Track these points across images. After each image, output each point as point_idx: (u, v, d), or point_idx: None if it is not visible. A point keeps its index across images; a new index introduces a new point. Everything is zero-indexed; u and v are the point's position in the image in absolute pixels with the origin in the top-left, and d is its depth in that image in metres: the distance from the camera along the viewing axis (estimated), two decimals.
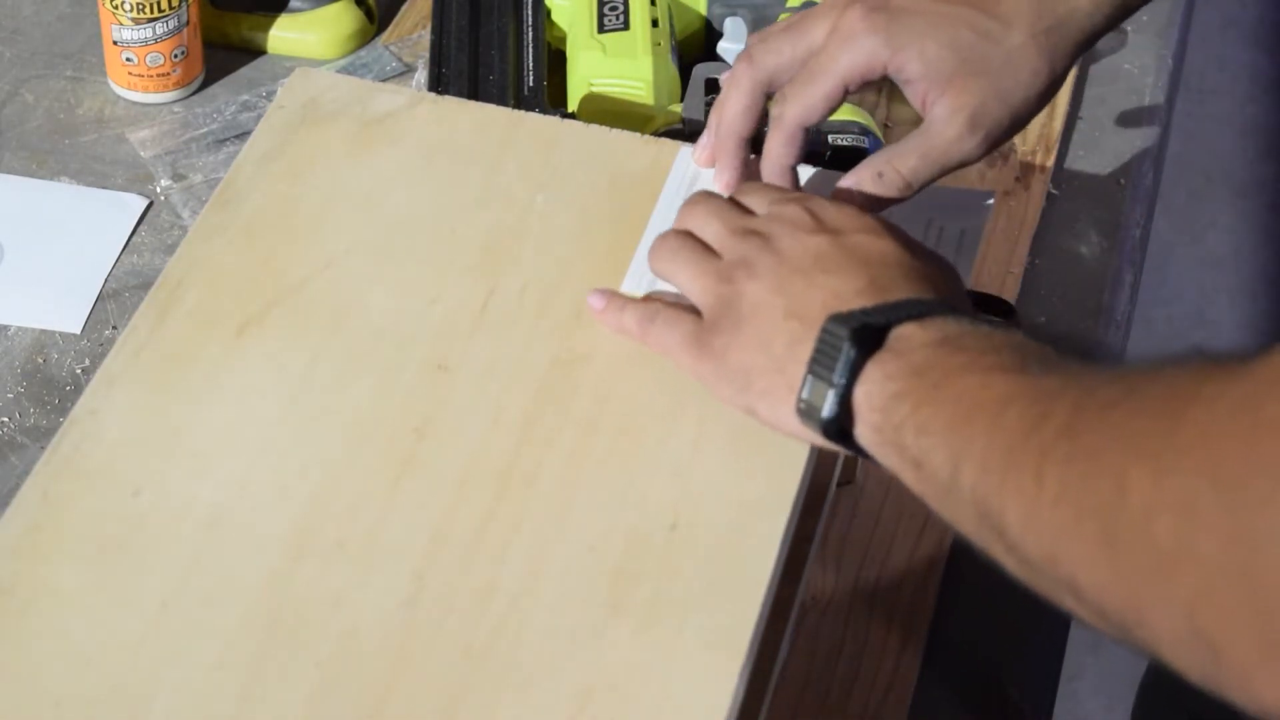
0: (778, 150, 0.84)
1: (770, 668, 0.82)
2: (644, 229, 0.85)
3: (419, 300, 0.82)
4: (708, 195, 0.83)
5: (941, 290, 0.75)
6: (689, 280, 0.79)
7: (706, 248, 0.80)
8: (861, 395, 0.70)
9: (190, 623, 0.70)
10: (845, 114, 1.02)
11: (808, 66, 0.83)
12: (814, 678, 0.89)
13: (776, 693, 0.85)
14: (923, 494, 0.69)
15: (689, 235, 0.81)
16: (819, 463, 0.79)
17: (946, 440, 0.66)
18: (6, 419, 1.00)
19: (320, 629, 0.70)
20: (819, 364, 0.71)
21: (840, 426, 0.71)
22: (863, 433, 0.71)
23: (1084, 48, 0.84)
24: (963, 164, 0.83)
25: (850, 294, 0.73)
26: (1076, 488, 0.59)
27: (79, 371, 1.02)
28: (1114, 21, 0.84)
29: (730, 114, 0.85)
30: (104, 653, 0.69)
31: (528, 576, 0.71)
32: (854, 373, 0.70)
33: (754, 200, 0.82)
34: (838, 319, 0.72)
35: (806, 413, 0.72)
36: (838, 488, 0.93)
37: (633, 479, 0.75)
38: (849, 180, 0.84)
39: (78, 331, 1.04)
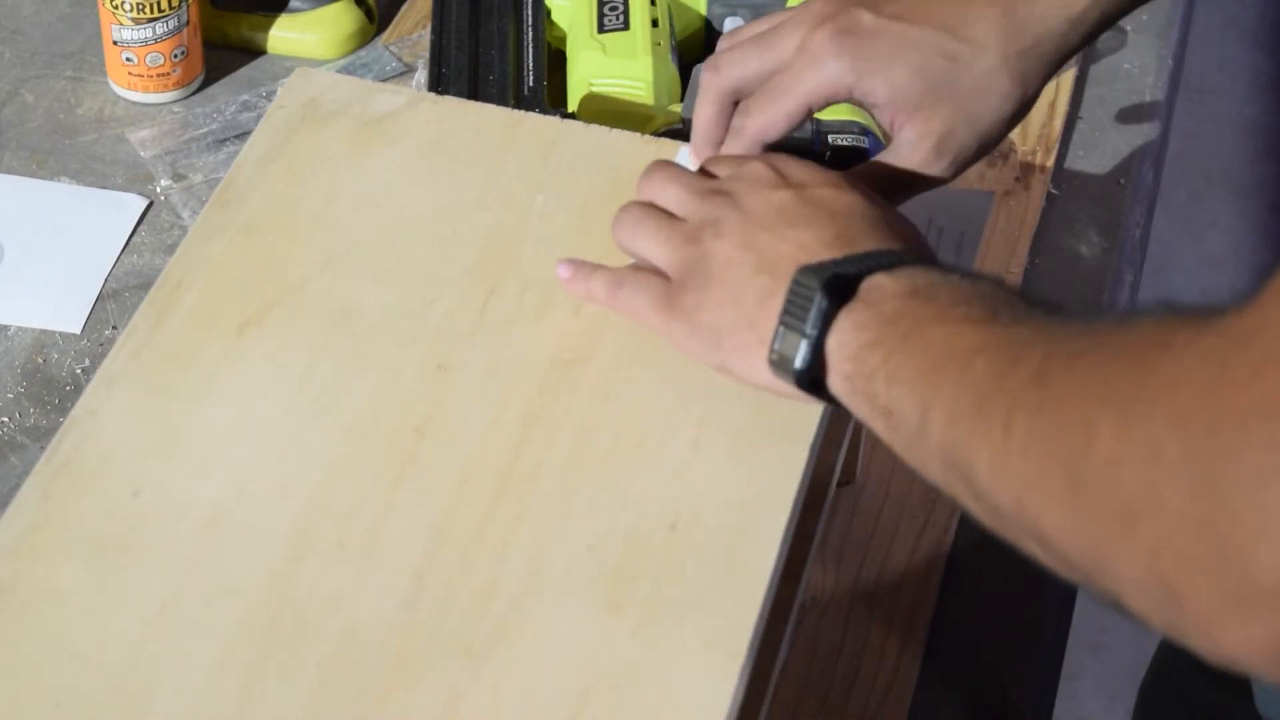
0: None
1: (770, 668, 0.82)
2: None
3: (419, 300, 0.82)
4: (663, 164, 0.83)
5: (907, 242, 0.75)
6: (653, 245, 0.79)
7: (669, 215, 0.80)
8: (834, 345, 0.71)
9: (190, 623, 0.70)
10: (845, 114, 1.02)
11: (773, 83, 0.83)
12: (814, 678, 0.89)
13: (776, 693, 0.85)
14: (891, 442, 0.69)
15: (649, 204, 0.81)
16: (819, 463, 0.79)
17: (916, 389, 0.67)
18: (6, 419, 1.00)
19: (320, 629, 0.70)
20: (790, 315, 0.72)
21: (812, 376, 0.71)
22: (834, 382, 0.71)
23: (1057, 67, 0.83)
24: (929, 187, 0.83)
25: (818, 246, 0.74)
26: (1044, 436, 0.59)
27: (79, 371, 1.02)
28: (1088, 40, 0.84)
29: (702, 122, 0.86)
30: (104, 653, 0.69)
31: (528, 576, 0.71)
32: (826, 322, 0.71)
33: (718, 166, 0.82)
34: (809, 270, 0.72)
35: (779, 364, 0.72)
36: (838, 488, 0.93)
37: (633, 479, 0.75)
38: None
39: (78, 331, 1.04)
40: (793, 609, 0.84)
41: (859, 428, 0.92)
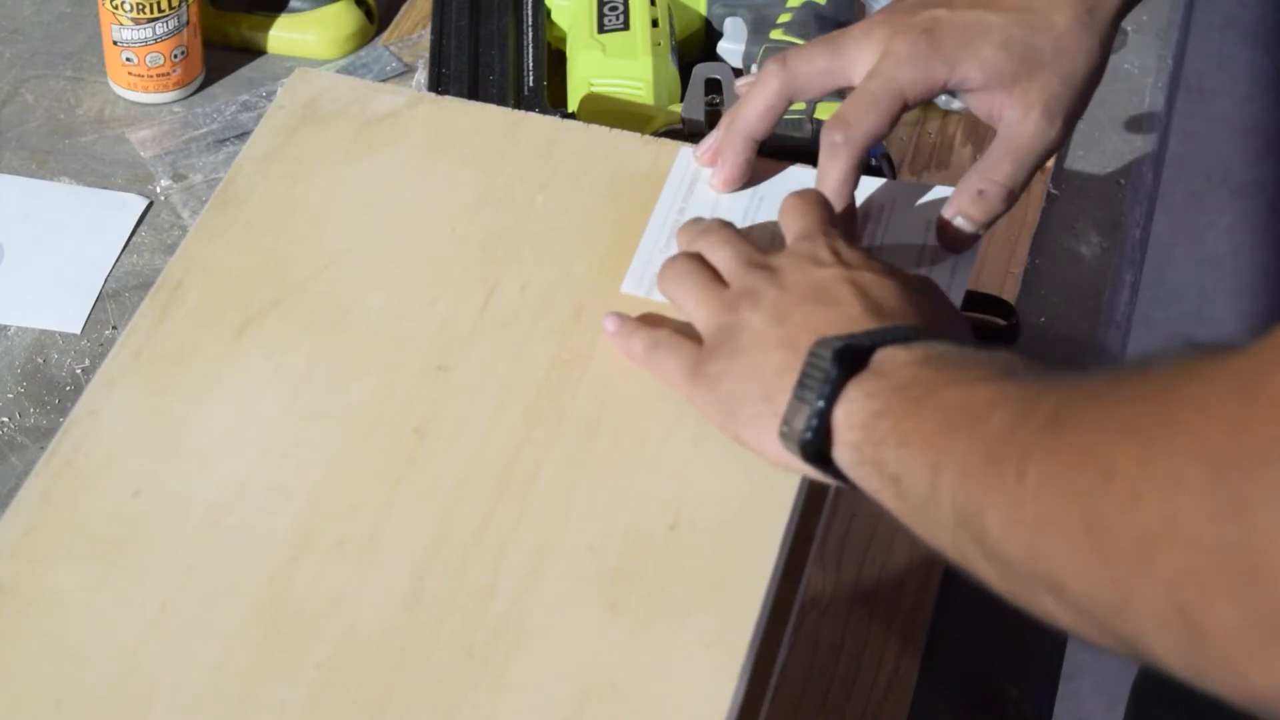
0: (847, 175, 0.84)
1: (770, 668, 0.82)
2: (644, 229, 0.85)
3: (419, 300, 0.82)
4: (723, 225, 0.83)
5: (938, 325, 0.75)
6: (694, 306, 0.79)
7: (715, 274, 0.80)
8: (841, 415, 0.70)
9: (190, 623, 0.70)
10: None
11: (865, 89, 0.83)
12: (814, 678, 0.89)
13: (776, 693, 0.85)
14: (900, 512, 0.68)
15: (700, 260, 0.81)
16: None
17: (927, 452, 0.66)
18: (6, 419, 1.00)
19: (320, 629, 0.70)
20: (803, 386, 0.71)
21: (818, 448, 0.71)
22: (841, 453, 0.70)
23: (1121, 18, 0.86)
24: (1050, 154, 0.85)
25: (843, 322, 0.73)
26: (1059, 478, 0.58)
27: (79, 371, 1.02)
28: None
29: (750, 112, 0.85)
30: (104, 653, 0.69)
31: (528, 576, 0.71)
32: (835, 391, 0.70)
33: (793, 220, 0.81)
34: (823, 342, 0.72)
35: (787, 435, 0.72)
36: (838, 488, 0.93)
37: (633, 479, 0.75)
38: (950, 209, 0.85)
39: (78, 331, 1.04)
40: (793, 609, 0.84)
41: None
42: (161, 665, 0.69)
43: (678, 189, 0.87)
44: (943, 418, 0.66)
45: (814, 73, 0.84)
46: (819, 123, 0.99)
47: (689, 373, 0.77)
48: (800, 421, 0.71)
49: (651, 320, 0.80)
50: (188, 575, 0.71)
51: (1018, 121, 0.84)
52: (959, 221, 0.85)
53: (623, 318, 0.80)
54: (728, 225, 0.83)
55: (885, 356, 0.71)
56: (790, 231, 0.81)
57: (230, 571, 0.71)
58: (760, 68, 0.87)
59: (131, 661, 0.69)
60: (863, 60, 0.84)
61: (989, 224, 0.85)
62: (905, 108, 0.83)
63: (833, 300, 0.75)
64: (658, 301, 0.82)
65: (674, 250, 0.84)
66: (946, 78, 0.83)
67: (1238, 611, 0.50)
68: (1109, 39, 0.85)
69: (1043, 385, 0.63)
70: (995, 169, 0.84)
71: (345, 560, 0.72)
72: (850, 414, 0.70)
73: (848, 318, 0.74)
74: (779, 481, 0.74)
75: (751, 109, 0.85)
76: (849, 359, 0.70)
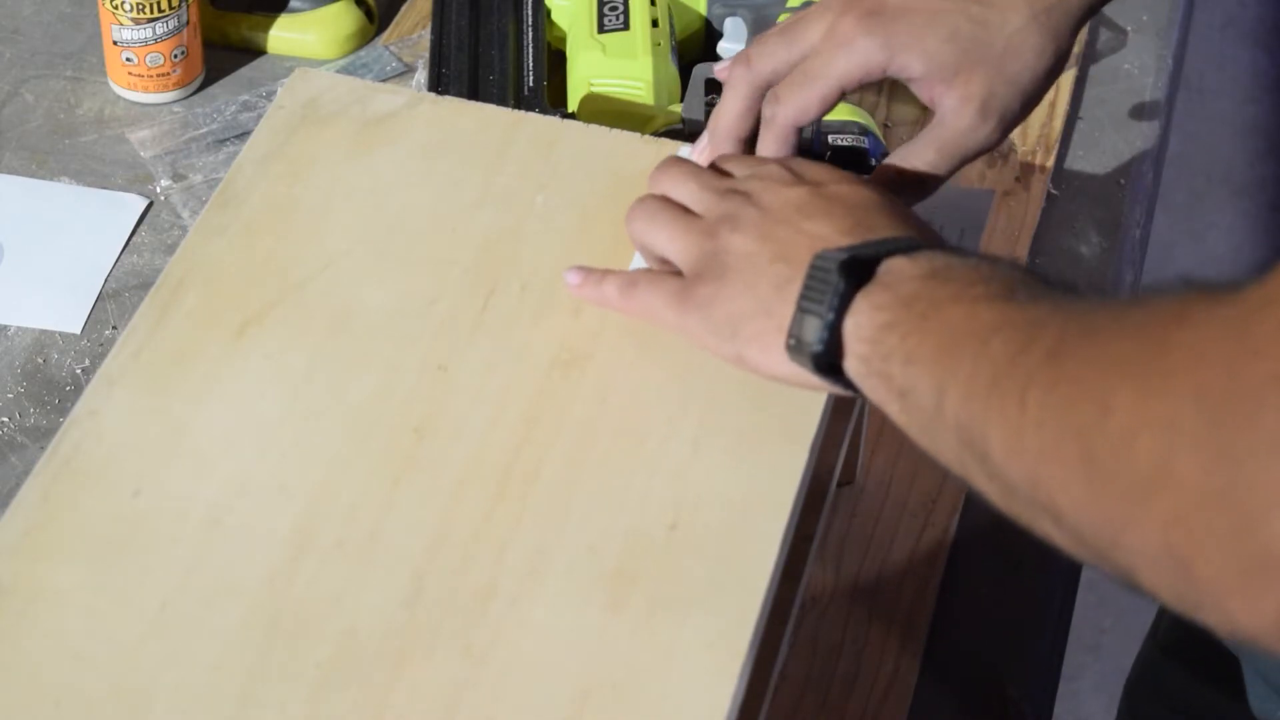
0: (770, 150, 0.84)
1: (770, 668, 0.82)
2: None
3: (419, 300, 0.82)
4: (678, 159, 0.84)
5: (923, 234, 0.75)
6: (669, 240, 0.79)
7: (684, 210, 0.80)
8: (850, 326, 0.71)
9: (190, 623, 0.70)
10: (845, 114, 1.02)
11: (802, 68, 0.83)
12: (814, 678, 0.89)
13: (776, 693, 0.85)
14: (907, 425, 0.69)
15: (664, 199, 0.81)
16: (819, 463, 0.79)
17: (932, 369, 0.67)
18: (6, 419, 1.00)
19: (320, 629, 0.70)
20: (808, 299, 0.72)
21: (830, 359, 0.71)
22: (850, 365, 0.71)
23: (1085, 20, 0.84)
24: (980, 152, 0.84)
25: (835, 236, 0.74)
26: (1059, 410, 0.59)
27: (79, 371, 1.02)
28: None
29: (727, 117, 0.85)
30: (104, 653, 0.69)
31: (528, 576, 0.71)
32: (844, 304, 0.71)
33: (732, 165, 0.82)
34: (826, 254, 0.72)
35: (796, 349, 0.72)
36: (838, 488, 0.93)
37: (633, 479, 0.75)
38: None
39: (78, 331, 1.04)
40: (793, 609, 0.84)
41: (859, 428, 0.93)
42: (161, 665, 0.69)
43: None
44: (947, 336, 0.67)
45: (777, 65, 0.84)
46: (819, 123, 0.99)
47: (676, 301, 0.77)
48: (811, 334, 0.71)
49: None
50: (188, 575, 0.71)
51: (952, 113, 0.83)
52: None
53: (586, 269, 0.81)
54: (682, 160, 0.83)
55: (890, 268, 0.71)
56: (739, 171, 0.82)
57: (230, 571, 0.71)
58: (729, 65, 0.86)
59: (131, 661, 0.69)
60: (817, 40, 0.83)
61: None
62: (842, 91, 0.83)
63: (817, 214, 0.75)
64: None
65: None
66: (885, 64, 0.82)
67: (1226, 555, 0.52)
68: (1067, 39, 0.83)
69: (1046, 308, 0.64)
70: (918, 155, 0.83)
71: (345, 560, 0.72)
72: (859, 326, 0.70)
73: (837, 230, 0.74)
74: (779, 481, 0.74)
75: (728, 114, 0.85)
76: (854, 270, 0.71)
